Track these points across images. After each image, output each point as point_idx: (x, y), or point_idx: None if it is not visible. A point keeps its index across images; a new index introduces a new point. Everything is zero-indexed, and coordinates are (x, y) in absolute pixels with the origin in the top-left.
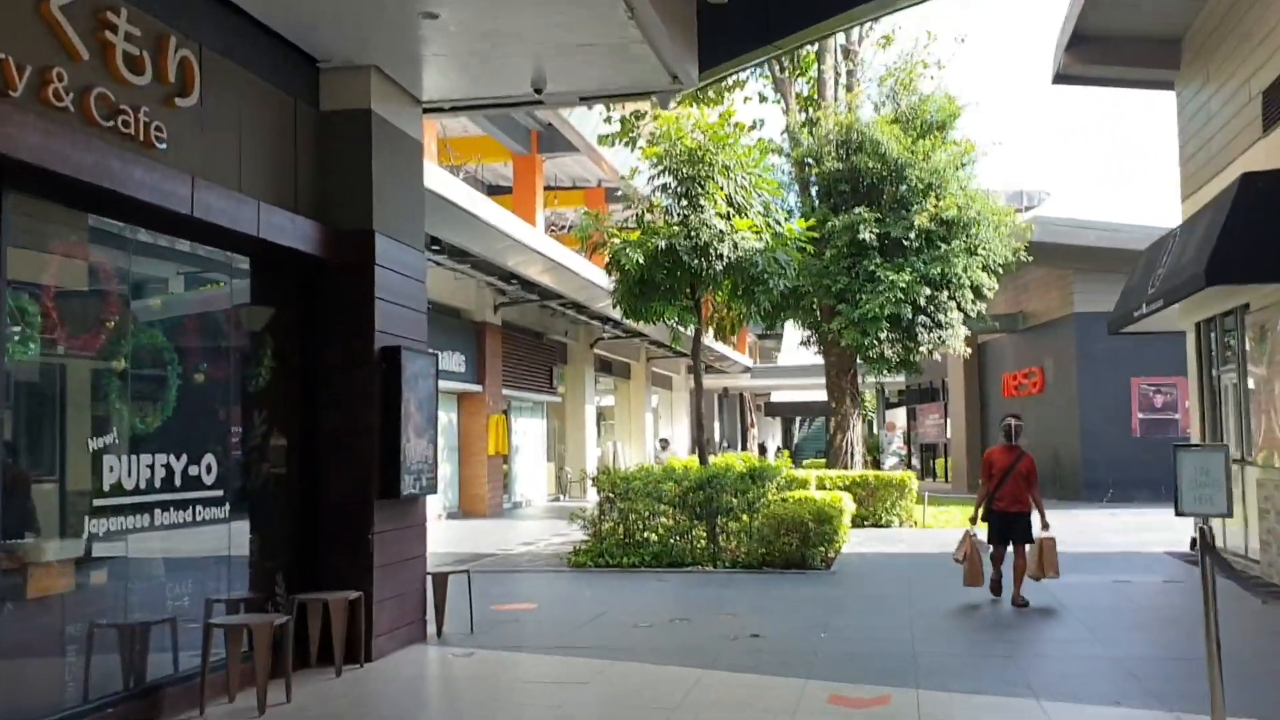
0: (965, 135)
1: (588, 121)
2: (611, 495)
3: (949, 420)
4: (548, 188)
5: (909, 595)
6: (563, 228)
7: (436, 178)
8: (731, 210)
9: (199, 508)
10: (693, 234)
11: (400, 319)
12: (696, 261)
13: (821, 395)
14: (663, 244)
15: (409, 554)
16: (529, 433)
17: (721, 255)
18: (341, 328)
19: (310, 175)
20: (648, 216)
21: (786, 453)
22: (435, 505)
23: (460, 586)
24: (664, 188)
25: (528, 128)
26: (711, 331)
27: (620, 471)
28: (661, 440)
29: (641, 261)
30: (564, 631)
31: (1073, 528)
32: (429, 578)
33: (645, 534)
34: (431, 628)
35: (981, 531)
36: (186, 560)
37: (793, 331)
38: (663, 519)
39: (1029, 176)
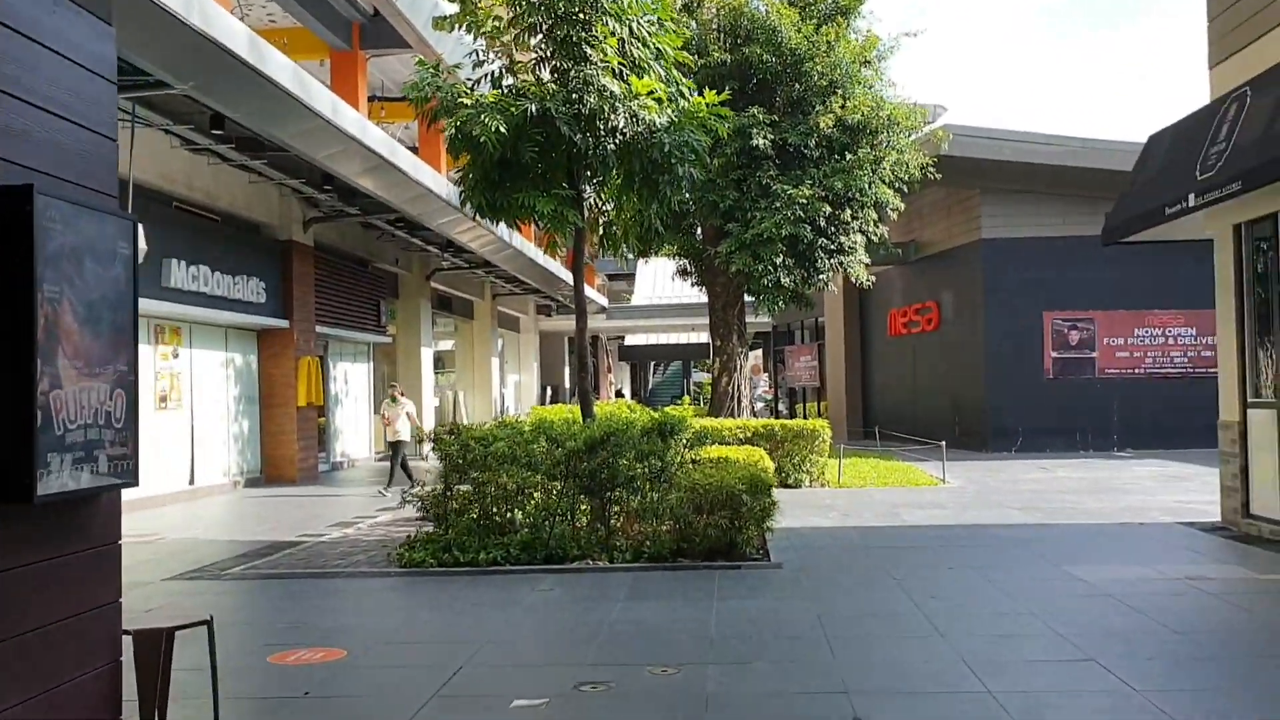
0: (871, 27)
1: (420, 11)
2: (462, 462)
3: (825, 362)
4: (374, 98)
5: (920, 607)
6: None
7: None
8: (625, 68)
9: None
10: (575, 96)
11: (40, 139)
12: (580, 136)
13: (679, 338)
14: (533, 108)
15: (76, 607)
16: (351, 380)
17: (615, 129)
18: None
19: None
20: (509, 81)
21: (687, 400)
22: (226, 470)
23: (198, 647)
24: (532, 29)
25: (348, 19)
26: (596, 242)
27: (474, 428)
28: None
29: (503, 132)
30: None
31: (1021, 485)
32: (131, 641)
33: (509, 514)
34: None
35: None
36: None
37: (645, 270)
38: (534, 493)
39: (922, 89)
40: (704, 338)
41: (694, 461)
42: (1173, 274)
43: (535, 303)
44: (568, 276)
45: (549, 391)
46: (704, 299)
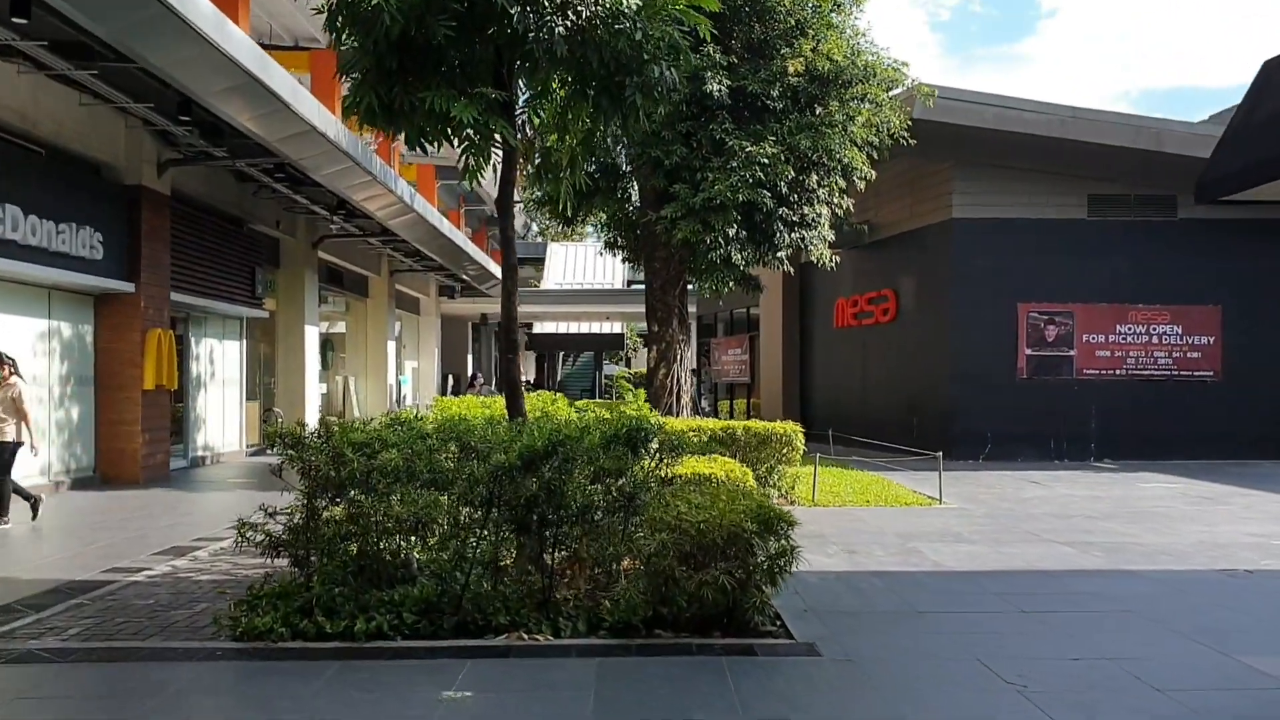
0: None
1: None
2: (335, 477)
3: (758, 357)
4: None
5: None
6: None
7: None
8: None
9: None
10: None
11: None
12: (517, 9)
13: (591, 327)
14: None
15: None
16: (219, 359)
17: (567, 4)
18: None
19: None
20: None
21: (641, 394)
22: (45, 468)
23: None
24: None
25: None
26: (530, 170)
27: (353, 427)
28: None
29: None
30: None
31: (1031, 506)
32: None
33: (402, 553)
34: None
35: None
36: None
37: (556, 252)
38: (440, 526)
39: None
40: (618, 328)
41: (666, 482)
42: (1159, 264)
43: (438, 282)
44: (475, 252)
45: (450, 380)
46: (617, 284)
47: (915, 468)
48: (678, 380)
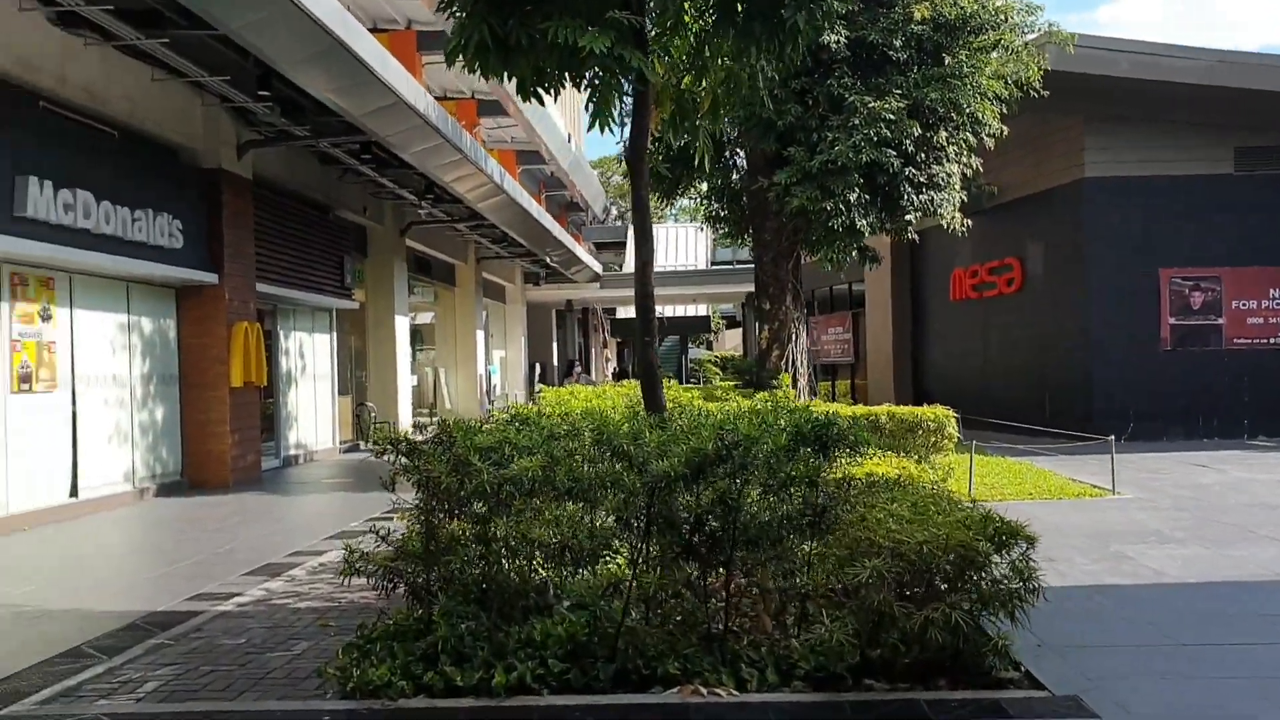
0: None
1: None
2: (458, 491)
3: (862, 335)
4: None
5: None
6: None
7: None
8: None
9: None
10: None
11: None
12: None
13: (676, 310)
14: None
15: None
16: (308, 353)
17: None
18: None
19: None
20: None
21: (786, 377)
22: (129, 473)
23: None
24: None
25: None
26: (666, 118)
27: (472, 427)
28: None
29: None
30: None
31: (1222, 496)
32: None
33: (541, 580)
34: None
35: None
36: None
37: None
38: (587, 551)
39: None
40: (702, 310)
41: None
42: None
43: (523, 269)
44: (563, 235)
45: (537, 369)
46: (701, 266)
47: (1060, 451)
48: (793, 362)
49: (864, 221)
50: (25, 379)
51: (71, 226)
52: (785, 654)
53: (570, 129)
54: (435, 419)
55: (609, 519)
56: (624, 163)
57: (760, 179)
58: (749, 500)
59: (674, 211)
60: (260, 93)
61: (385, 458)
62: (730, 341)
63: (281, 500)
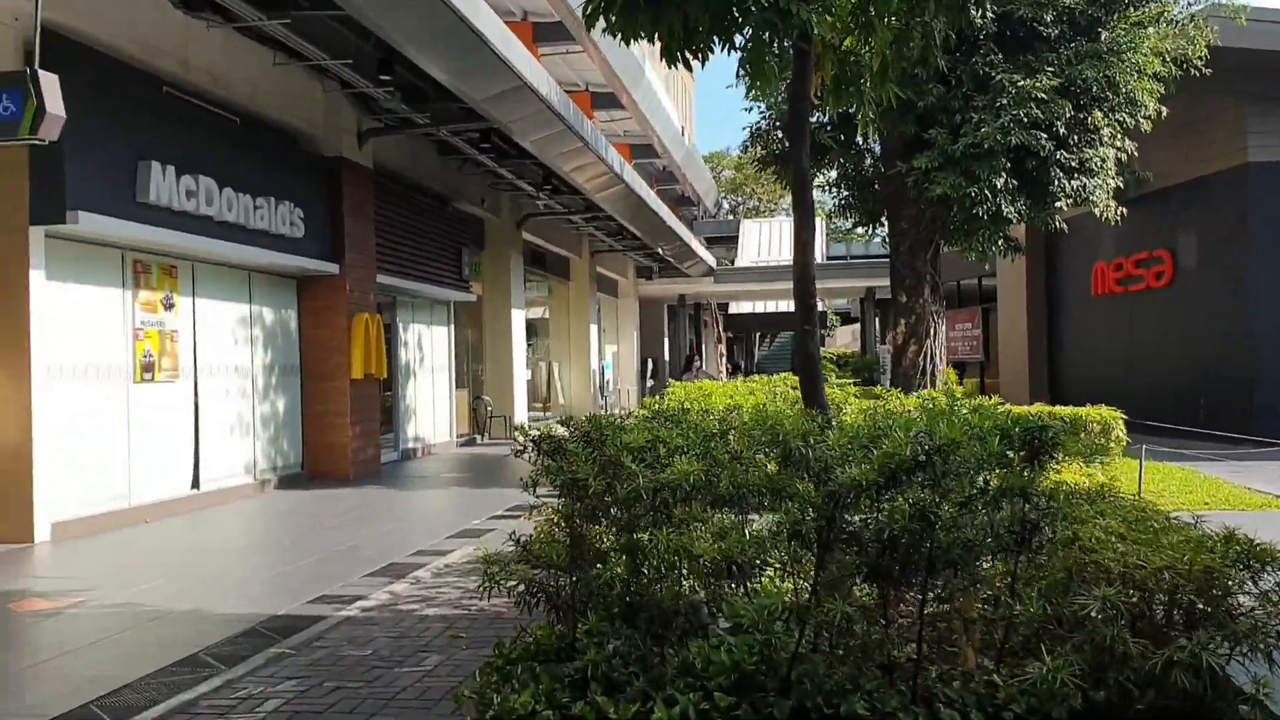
0: None
1: None
2: (610, 492)
3: (993, 331)
4: None
5: None
6: None
7: None
8: None
9: None
10: None
11: None
12: None
13: (788, 306)
14: None
15: None
16: (427, 345)
17: None
18: None
19: None
20: None
21: (952, 373)
22: (250, 465)
23: None
24: None
25: None
26: (828, 82)
27: (618, 426)
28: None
29: None
30: None
31: None
32: None
33: (701, 611)
34: None
35: None
36: None
37: (750, 230)
38: (770, 570)
39: None
40: (820, 305)
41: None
42: None
43: (635, 263)
44: (679, 227)
45: (649, 365)
46: (816, 260)
47: (1222, 456)
48: (931, 358)
49: (1010, 209)
50: (148, 369)
51: (193, 213)
52: (988, 693)
53: (683, 121)
54: (549, 415)
55: (773, 532)
56: (745, 150)
57: (898, 164)
58: (947, 514)
59: (786, 205)
60: (382, 77)
61: (526, 456)
62: (843, 338)
63: (401, 495)
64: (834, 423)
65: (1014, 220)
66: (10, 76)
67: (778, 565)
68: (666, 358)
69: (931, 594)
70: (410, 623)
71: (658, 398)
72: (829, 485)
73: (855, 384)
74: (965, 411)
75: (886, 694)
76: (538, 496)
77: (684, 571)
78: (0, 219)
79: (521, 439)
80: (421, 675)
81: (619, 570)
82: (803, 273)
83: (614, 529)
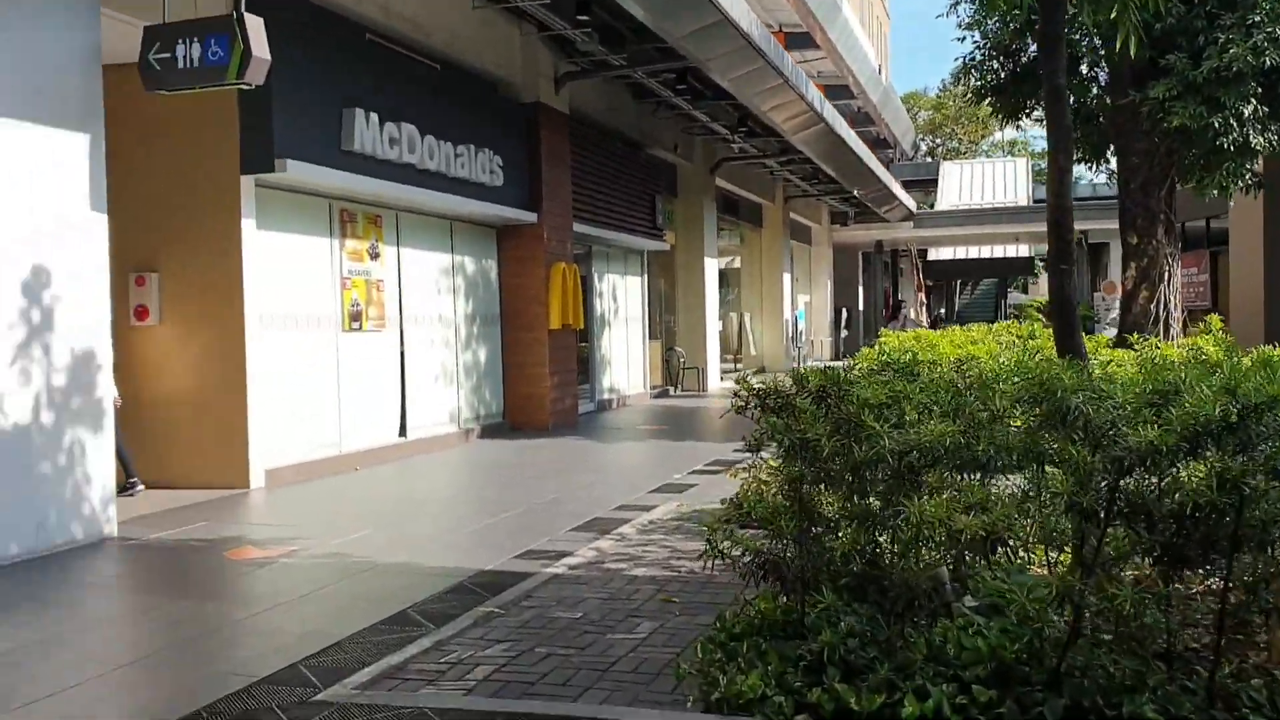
0: None
1: None
2: (847, 454)
3: (1223, 277)
4: None
5: None
6: None
7: None
8: None
9: None
10: None
11: None
12: None
13: (990, 252)
14: None
15: None
16: (620, 295)
17: None
18: None
19: None
20: None
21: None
22: (454, 414)
23: None
24: None
25: None
26: None
27: (854, 379)
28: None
29: None
30: None
31: None
32: None
33: (944, 588)
34: None
35: None
36: None
37: (951, 173)
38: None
39: None
40: (1024, 250)
41: None
42: None
43: (830, 208)
44: (879, 168)
45: (844, 315)
46: (1022, 202)
47: None
48: (1165, 304)
49: (1260, 139)
50: (355, 318)
51: (396, 161)
52: None
53: (880, 60)
54: (740, 367)
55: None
56: (956, 82)
57: (1130, 93)
58: (1260, 486)
59: (986, 146)
60: (579, 18)
61: (749, 413)
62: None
63: (599, 446)
64: (1090, 374)
65: (1262, 151)
66: (218, 21)
67: (1034, 539)
68: (860, 308)
69: (1236, 580)
70: (619, 583)
71: (870, 348)
72: (1114, 450)
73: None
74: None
75: (1178, 697)
76: (757, 456)
77: (938, 543)
78: (213, 169)
79: (744, 393)
80: (635, 644)
81: (854, 540)
82: (1059, 203)
83: (847, 495)
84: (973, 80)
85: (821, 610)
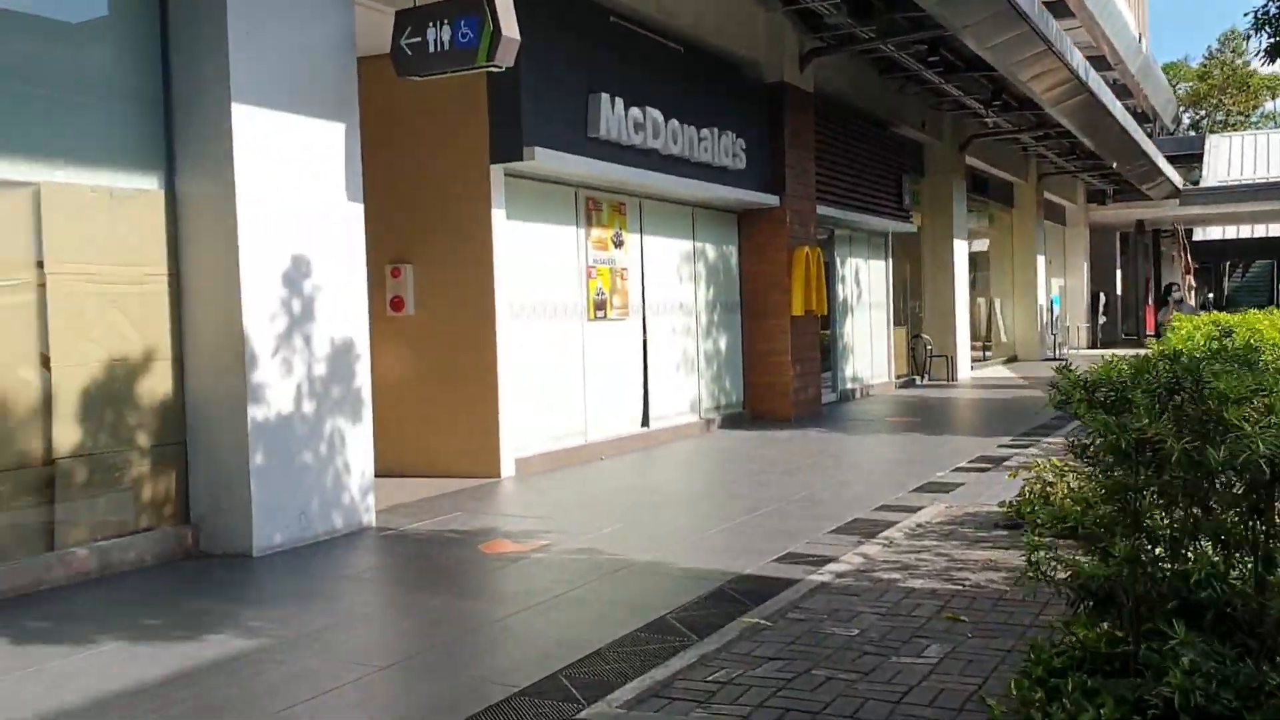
0: None
1: None
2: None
3: None
4: None
5: None
6: None
7: None
8: None
9: None
10: None
11: None
12: None
13: (1267, 230)
14: None
15: None
16: (864, 280)
17: None
18: None
19: None
20: None
21: None
22: (695, 404)
23: None
24: None
25: None
26: None
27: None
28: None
29: None
30: None
31: None
32: None
33: None
34: None
35: None
36: None
37: (1219, 146)
38: None
39: None
40: None
41: None
42: None
43: (1086, 185)
44: (1146, 142)
45: (1101, 300)
46: None
47: None
48: None
49: None
50: (600, 306)
51: (640, 147)
52: None
53: (1140, 29)
54: (990, 355)
55: None
56: (1248, 37)
57: None
58: None
59: (1256, 118)
60: None
61: (1071, 408)
62: None
63: (847, 439)
64: None
65: None
66: (468, 2)
67: None
68: (1119, 292)
69: None
70: (895, 596)
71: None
72: None
73: None
74: None
75: None
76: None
77: None
78: (464, 159)
79: (1064, 383)
80: (926, 671)
81: (1205, 562)
82: None
83: (1191, 507)
84: (1264, 38)
85: (1167, 647)
